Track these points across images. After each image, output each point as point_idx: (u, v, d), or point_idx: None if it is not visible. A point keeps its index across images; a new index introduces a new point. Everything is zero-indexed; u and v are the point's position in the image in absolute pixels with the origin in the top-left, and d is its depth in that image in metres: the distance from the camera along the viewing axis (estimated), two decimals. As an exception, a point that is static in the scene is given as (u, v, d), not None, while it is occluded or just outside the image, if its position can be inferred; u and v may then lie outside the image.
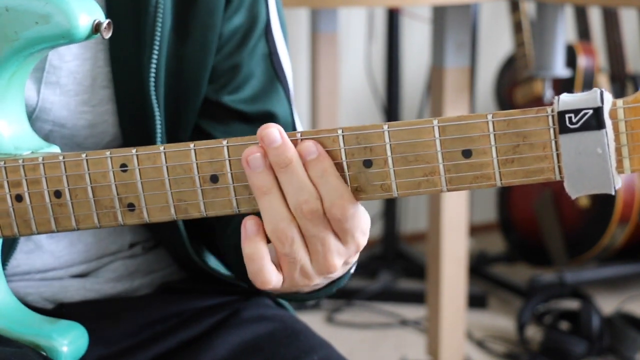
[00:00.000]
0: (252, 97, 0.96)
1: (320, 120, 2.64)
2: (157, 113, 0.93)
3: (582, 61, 2.77)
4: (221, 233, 0.95)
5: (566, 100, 0.66)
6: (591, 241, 2.74)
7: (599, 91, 0.66)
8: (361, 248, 0.75)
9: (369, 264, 3.06)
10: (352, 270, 0.81)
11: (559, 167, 0.67)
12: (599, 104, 0.65)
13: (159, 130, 0.93)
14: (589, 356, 2.39)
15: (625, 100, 0.65)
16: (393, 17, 3.01)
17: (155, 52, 0.91)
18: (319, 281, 0.76)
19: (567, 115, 0.66)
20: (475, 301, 2.74)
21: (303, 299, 0.85)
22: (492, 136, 0.68)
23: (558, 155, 0.67)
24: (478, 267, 2.99)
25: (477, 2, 2.38)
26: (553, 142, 0.67)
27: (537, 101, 2.81)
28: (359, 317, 2.76)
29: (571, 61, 2.72)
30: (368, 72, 3.18)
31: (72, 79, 0.91)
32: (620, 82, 2.80)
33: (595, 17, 3.04)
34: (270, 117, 0.96)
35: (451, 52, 2.00)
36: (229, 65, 0.96)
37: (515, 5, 2.78)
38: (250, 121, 0.96)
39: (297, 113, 1.01)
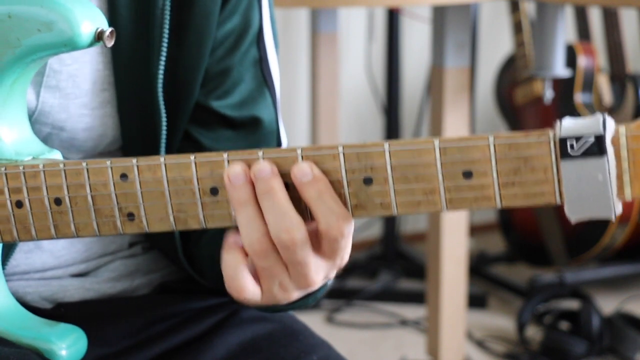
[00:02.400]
0: (239, 103, 0.96)
1: (320, 120, 2.64)
2: (163, 116, 0.93)
3: (582, 61, 2.76)
4: (196, 242, 0.95)
5: (568, 126, 0.66)
6: (591, 241, 2.73)
7: (601, 118, 0.65)
8: (343, 265, 0.74)
9: (369, 264, 3.06)
10: (330, 283, 0.81)
11: (560, 191, 0.67)
12: (601, 132, 0.65)
13: (164, 133, 0.93)
14: (589, 356, 2.39)
15: (628, 126, 0.65)
16: (393, 17, 3.01)
17: (163, 53, 0.91)
18: (297, 295, 0.75)
19: (568, 142, 0.65)
20: (475, 301, 2.73)
21: (279, 310, 0.85)
22: (493, 159, 0.67)
23: (559, 180, 0.67)
24: (478, 267, 2.99)
25: (477, 2, 2.38)
26: (554, 167, 0.66)
27: (537, 101, 2.81)
28: (359, 317, 2.76)
29: (571, 61, 2.72)
30: (368, 72, 3.18)
31: (71, 82, 0.91)
32: (620, 82, 2.79)
33: (595, 17, 3.03)
34: (256, 122, 0.96)
35: (451, 52, 2.00)
36: (220, 69, 0.96)
37: (515, 5, 2.77)
38: (237, 127, 0.96)
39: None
